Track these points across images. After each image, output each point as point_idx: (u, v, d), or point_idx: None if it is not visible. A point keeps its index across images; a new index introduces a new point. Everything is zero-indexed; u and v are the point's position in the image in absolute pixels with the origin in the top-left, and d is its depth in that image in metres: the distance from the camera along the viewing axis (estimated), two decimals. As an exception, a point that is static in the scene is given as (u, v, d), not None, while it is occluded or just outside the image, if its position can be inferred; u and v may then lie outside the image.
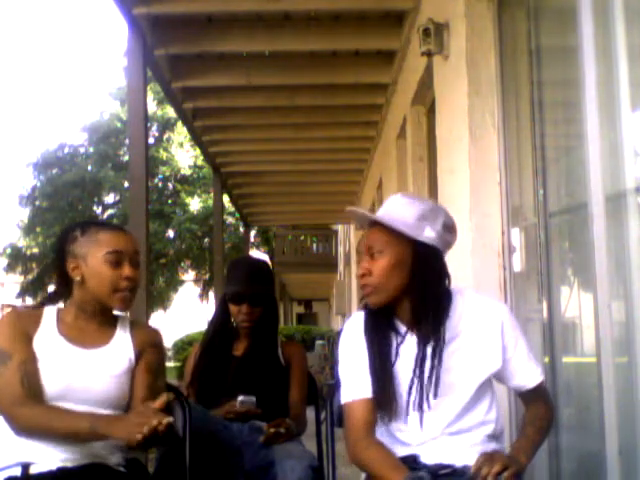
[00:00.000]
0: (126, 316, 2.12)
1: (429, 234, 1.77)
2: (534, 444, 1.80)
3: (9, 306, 2.38)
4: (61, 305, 2.04)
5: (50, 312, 1.98)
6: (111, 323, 2.04)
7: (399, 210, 1.79)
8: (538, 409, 1.87)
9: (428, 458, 1.76)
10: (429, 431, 1.79)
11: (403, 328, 1.83)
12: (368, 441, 1.76)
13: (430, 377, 1.74)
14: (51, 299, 2.03)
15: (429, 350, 1.76)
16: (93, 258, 1.93)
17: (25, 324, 1.91)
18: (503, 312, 1.87)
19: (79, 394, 1.85)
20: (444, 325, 1.77)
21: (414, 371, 1.76)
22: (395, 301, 1.81)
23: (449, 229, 1.82)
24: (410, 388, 1.76)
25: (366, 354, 1.82)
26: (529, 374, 1.86)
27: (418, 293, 1.77)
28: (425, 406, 1.75)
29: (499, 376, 1.87)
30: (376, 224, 1.81)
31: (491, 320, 1.83)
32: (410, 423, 1.80)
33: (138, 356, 2.00)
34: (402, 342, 1.82)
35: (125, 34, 4.37)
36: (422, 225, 1.76)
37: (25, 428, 1.78)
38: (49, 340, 1.91)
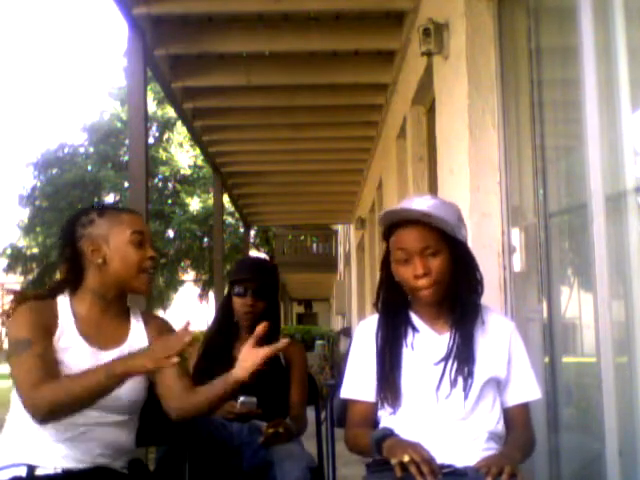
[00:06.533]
0: (136, 308, 2.06)
1: (464, 233, 1.93)
2: (521, 452, 1.82)
3: (14, 292, 2.22)
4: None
5: (64, 305, 1.91)
6: (125, 314, 1.99)
7: (442, 211, 1.86)
8: (521, 434, 1.89)
9: (437, 447, 1.77)
10: (445, 418, 1.83)
11: (420, 322, 1.93)
12: (359, 428, 1.91)
13: (462, 364, 1.83)
14: (60, 287, 1.95)
15: (460, 339, 1.86)
16: (117, 238, 1.89)
17: (43, 317, 1.84)
18: (512, 327, 1.97)
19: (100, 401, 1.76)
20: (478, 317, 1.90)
21: (445, 358, 1.85)
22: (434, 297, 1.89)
23: None
24: (442, 374, 1.84)
25: (376, 356, 1.91)
26: (527, 388, 1.92)
27: (464, 288, 1.88)
28: (450, 392, 1.83)
29: (499, 387, 1.91)
30: (418, 222, 1.84)
31: (500, 331, 1.93)
32: (424, 411, 1.84)
33: None
34: (419, 335, 1.91)
35: (125, 34, 4.37)
36: (460, 225, 1.91)
37: (47, 407, 1.69)
38: (70, 342, 1.85)
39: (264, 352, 1.84)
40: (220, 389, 1.91)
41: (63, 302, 1.92)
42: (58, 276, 1.99)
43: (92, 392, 1.70)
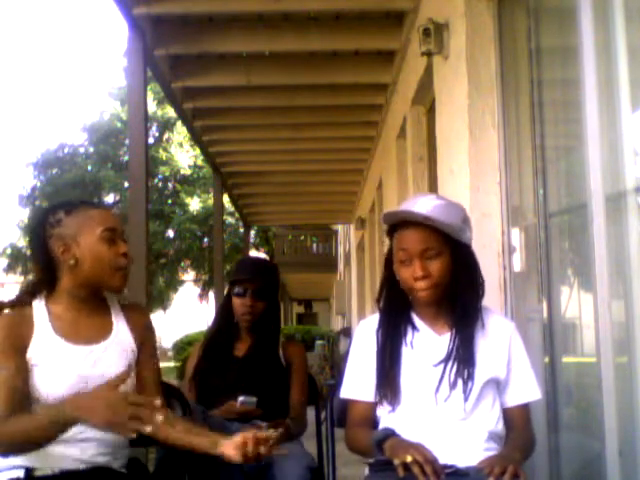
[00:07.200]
0: (113, 298, 2.01)
1: (469, 235, 1.89)
2: (521, 452, 1.82)
3: None
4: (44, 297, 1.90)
5: (40, 308, 1.87)
6: (104, 309, 1.95)
7: (446, 212, 1.84)
8: (521, 434, 1.89)
9: (437, 447, 1.77)
10: (444, 418, 1.83)
11: (420, 322, 1.93)
12: (359, 427, 1.91)
13: (462, 366, 1.83)
14: (36, 290, 1.90)
15: (460, 341, 1.86)
16: (87, 237, 1.84)
17: (18, 331, 1.81)
18: (512, 328, 1.96)
19: None
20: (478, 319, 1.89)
21: (445, 359, 1.85)
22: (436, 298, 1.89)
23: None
24: (442, 375, 1.84)
25: (376, 353, 1.91)
26: (527, 389, 1.92)
27: (465, 289, 1.87)
28: (449, 394, 1.82)
29: (499, 387, 1.91)
30: (421, 224, 1.82)
31: (500, 332, 1.93)
32: (423, 411, 1.85)
33: (140, 347, 1.96)
34: (419, 334, 1.91)
35: (125, 34, 4.38)
36: (464, 227, 1.87)
37: (6, 445, 1.70)
38: (46, 344, 1.82)
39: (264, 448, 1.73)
40: (199, 444, 1.86)
41: (38, 307, 1.88)
42: (33, 278, 1.93)
43: (34, 437, 1.68)
